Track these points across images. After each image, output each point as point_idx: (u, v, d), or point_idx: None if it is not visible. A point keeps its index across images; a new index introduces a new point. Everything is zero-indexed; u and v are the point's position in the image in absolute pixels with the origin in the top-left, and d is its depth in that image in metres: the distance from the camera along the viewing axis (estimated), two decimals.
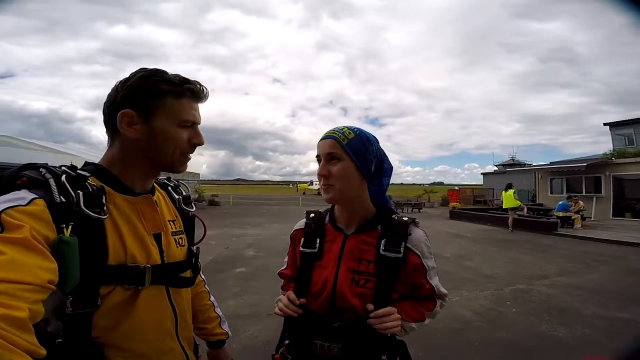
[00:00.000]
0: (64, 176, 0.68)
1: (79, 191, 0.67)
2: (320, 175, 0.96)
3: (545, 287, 4.90)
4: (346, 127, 0.98)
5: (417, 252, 0.96)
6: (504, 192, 11.36)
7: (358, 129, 0.99)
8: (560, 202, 11.76)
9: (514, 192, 11.07)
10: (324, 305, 0.96)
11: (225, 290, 4.55)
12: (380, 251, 0.94)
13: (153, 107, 0.76)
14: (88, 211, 0.67)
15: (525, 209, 11.99)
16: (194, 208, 0.99)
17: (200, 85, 0.82)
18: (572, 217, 11.11)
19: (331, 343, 0.92)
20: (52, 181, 0.66)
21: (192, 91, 0.80)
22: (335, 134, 0.96)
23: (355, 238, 0.99)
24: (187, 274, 0.89)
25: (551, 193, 17.48)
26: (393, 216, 1.00)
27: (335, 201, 1.00)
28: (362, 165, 0.95)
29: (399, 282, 0.95)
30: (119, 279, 0.71)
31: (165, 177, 0.97)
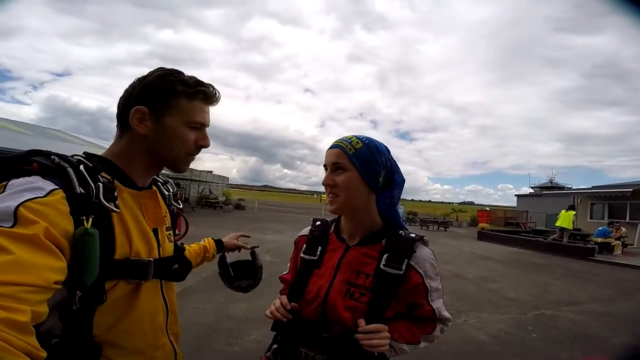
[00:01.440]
0: (81, 166, 0.67)
1: (99, 183, 0.67)
2: (325, 184, 0.95)
3: (573, 314, 4.58)
4: (355, 136, 0.96)
5: (420, 271, 0.91)
6: (564, 210, 11.62)
7: (367, 138, 0.96)
8: (600, 228, 11.04)
9: (575, 215, 11.31)
10: (315, 314, 0.94)
11: (237, 293, 4.55)
12: (381, 266, 0.91)
13: (165, 106, 0.78)
14: (106, 204, 0.66)
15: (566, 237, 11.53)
16: (181, 205, 1.01)
17: (214, 88, 0.84)
18: (612, 244, 10.35)
19: (316, 354, 0.90)
20: (70, 170, 0.65)
21: (205, 94, 0.82)
22: (342, 143, 0.94)
23: (356, 250, 0.97)
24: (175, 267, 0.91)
25: (590, 218, 16.34)
26: (400, 232, 0.96)
27: (339, 212, 0.98)
28: (368, 176, 0.92)
29: (397, 300, 0.91)
30: (123, 273, 0.71)
31: None
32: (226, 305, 4.05)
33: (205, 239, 1.29)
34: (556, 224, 11.64)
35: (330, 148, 0.97)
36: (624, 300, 5.48)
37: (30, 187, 0.58)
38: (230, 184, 30.08)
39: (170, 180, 1.02)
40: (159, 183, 0.95)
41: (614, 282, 6.80)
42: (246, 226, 12.76)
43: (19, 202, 0.54)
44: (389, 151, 0.98)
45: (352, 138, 0.95)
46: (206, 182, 22.84)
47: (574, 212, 11.40)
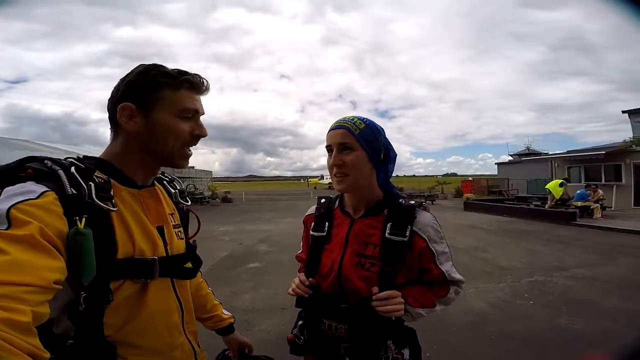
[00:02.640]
0: (72, 167, 0.67)
1: (90, 183, 0.67)
2: (334, 165, 0.97)
3: (564, 279, 4.78)
4: (356, 117, 1.00)
5: (424, 236, 0.96)
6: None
7: (366, 119, 1.00)
8: (579, 191, 11.47)
9: (560, 184, 11.91)
10: (333, 287, 0.99)
11: (240, 285, 4.61)
12: (386, 234, 0.95)
13: (151, 100, 0.77)
14: (100, 203, 0.66)
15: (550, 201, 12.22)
16: (189, 202, 1.00)
17: (200, 77, 0.82)
18: (592, 207, 10.80)
19: (338, 323, 0.95)
20: (61, 172, 0.65)
21: (190, 82, 0.80)
22: (347, 124, 0.97)
23: (361, 222, 1.01)
24: (188, 265, 0.90)
25: (569, 182, 17.08)
26: (400, 200, 1.01)
27: (349, 190, 1.02)
28: (373, 155, 0.97)
29: (406, 266, 0.96)
30: (127, 272, 0.71)
31: (159, 172, 0.96)
32: (231, 298, 4.05)
33: (232, 315, 1.15)
34: (546, 187, 12.51)
35: (333, 129, 0.99)
36: (609, 264, 5.70)
37: (22, 191, 0.59)
38: (214, 178, 29.64)
39: (176, 178, 1.00)
40: (164, 182, 0.95)
41: (598, 246, 7.04)
42: (236, 218, 12.68)
43: (10, 205, 0.55)
44: (383, 130, 1.03)
45: (354, 119, 0.99)
46: (189, 177, 22.40)
47: (560, 181, 12.00)
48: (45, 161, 0.68)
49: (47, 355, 0.48)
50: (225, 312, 1.14)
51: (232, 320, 1.14)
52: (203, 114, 0.84)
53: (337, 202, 1.12)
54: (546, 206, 11.83)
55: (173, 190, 0.95)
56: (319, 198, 1.15)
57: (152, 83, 0.77)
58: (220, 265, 5.63)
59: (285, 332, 1.09)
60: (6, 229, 0.52)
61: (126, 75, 0.79)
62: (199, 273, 1.06)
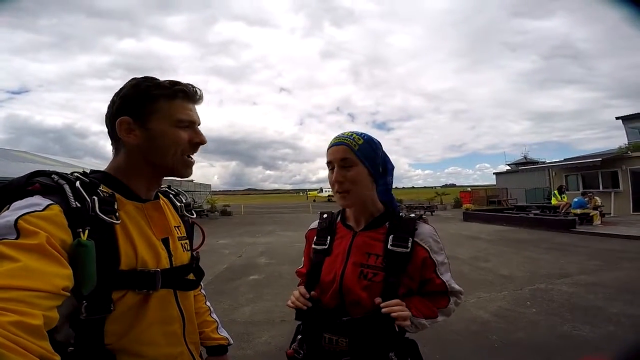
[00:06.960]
0: (78, 182, 0.69)
1: (94, 197, 0.68)
2: (336, 181, 0.99)
3: (567, 286, 4.74)
4: (354, 132, 1.02)
5: (425, 246, 0.98)
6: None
7: (364, 134, 1.03)
8: (577, 199, 11.47)
9: (557, 192, 12.87)
10: (334, 299, 0.98)
11: (239, 297, 4.57)
12: (389, 246, 0.96)
13: (148, 112, 0.78)
14: (103, 216, 0.68)
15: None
16: (194, 215, 1.01)
17: (193, 87, 0.84)
18: (591, 214, 10.79)
19: (339, 337, 0.94)
20: (66, 187, 0.67)
21: (184, 92, 0.82)
22: (346, 140, 0.99)
23: (363, 234, 1.03)
24: (191, 277, 0.91)
25: (567, 190, 17.13)
26: (401, 214, 1.04)
27: (353, 206, 1.04)
28: (373, 169, 1.00)
29: (408, 277, 0.96)
30: (130, 283, 0.72)
31: (165, 186, 0.98)
32: (230, 311, 4.02)
33: (226, 337, 1.05)
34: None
35: (334, 145, 1.00)
36: (612, 269, 5.67)
37: (28, 204, 0.61)
38: (213, 191, 29.60)
39: (182, 191, 1.02)
40: (170, 195, 0.97)
41: (599, 253, 7.01)
42: (236, 231, 12.60)
43: (18, 216, 0.57)
44: (380, 144, 1.05)
45: (352, 135, 1.01)
46: (188, 191, 22.36)
47: (556, 191, 12.77)
48: (53, 175, 0.70)
49: (58, 358, 0.49)
50: (220, 332, 1.05)
51: (222, 342, 1.03)
52: (200, 124, 0.86)
53: (339, 217, 1.13)
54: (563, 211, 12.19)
55: (179, 204, 0.97)
56: (322, 213, 1.17)
57: (146, 95, 0.78)
58: (220, 277, 5.59)
59: (285, 344, 1.07)
60: (16, 239, 0.54)
61: (120, 89, 0.80)
62: (200, 286, 1.05)
